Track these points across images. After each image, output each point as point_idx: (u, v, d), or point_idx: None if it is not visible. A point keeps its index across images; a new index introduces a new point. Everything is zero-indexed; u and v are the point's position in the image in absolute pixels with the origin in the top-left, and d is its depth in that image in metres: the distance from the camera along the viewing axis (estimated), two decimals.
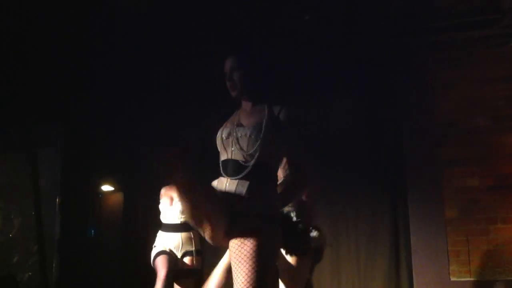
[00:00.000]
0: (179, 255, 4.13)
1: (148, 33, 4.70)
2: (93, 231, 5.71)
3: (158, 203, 4.36)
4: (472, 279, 4.51)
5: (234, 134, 2.38)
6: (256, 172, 2.29)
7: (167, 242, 4.16)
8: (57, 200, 5.68)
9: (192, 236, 4.16)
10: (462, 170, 4.68)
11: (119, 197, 5.80)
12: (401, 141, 4.91)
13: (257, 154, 2.28)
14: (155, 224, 4.86)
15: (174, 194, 4.19)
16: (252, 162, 2.29)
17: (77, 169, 5.66)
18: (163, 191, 4.34)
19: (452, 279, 4.54)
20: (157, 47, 4.93)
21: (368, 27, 4.63)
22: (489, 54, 4.80)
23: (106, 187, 5.73)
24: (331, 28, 4.68)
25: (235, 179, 2.30)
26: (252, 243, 2.15)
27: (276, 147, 2.33)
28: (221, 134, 2.45)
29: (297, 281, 3.31)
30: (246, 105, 2.50)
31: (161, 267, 4.05)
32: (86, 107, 5.56)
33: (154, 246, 4.20)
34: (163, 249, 4.14)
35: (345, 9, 4.51)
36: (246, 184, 2.27)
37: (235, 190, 2.28)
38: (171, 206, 4.22)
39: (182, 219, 4.07)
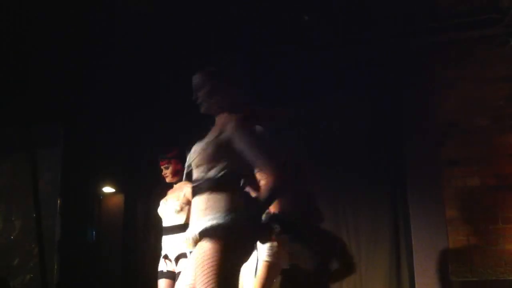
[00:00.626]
0: (173, 258, 3.96)
1: (149, 33, 4.70)
2: (93, 232, 5.70)
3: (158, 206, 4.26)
4: (473, 279, 4.49)
5: (195, 154, 2.45)
6: (213, 184, 2.32)
7: (164, 246, 4.04)
8: (58, 201, 5.68)
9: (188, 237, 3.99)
10: (463, 170, 4.67)
11: (119, 199, 5.78)
12: (401, 141, 4.91)
13: (209, 166, 2.35)
14: (155, 226, 4.87)
15: (170, 195, 4.15)
16: (206, 175, 2.35)
17: (78, 170, 5.64)
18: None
19: (453, 279, 4.52)
20: (158, 48, 4.94)
21: (368, 27, 4.64)
22: (489, 54, 4.80)
23: (107, 189, 5.72)
24: (331, 29, 4.69)
25: (197, 196, 2.37)
26: (208, 254, 2.18)
27: (232, 156, 2.34)
28: (190, 158, 2.50)
29: None
30: (216, 119, 2.57)
31: None
32: (86, 107, 5.57)
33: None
34: (161, 267, 4.01)
35: (345, 9, 4.52)
36: (202, 197, 2.33)
37: (196, 207, 2.35)
38: (164, 208, 4.11)
39: (176, 220, 3.97)
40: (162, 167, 4.14)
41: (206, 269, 2.15)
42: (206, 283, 2.13)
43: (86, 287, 5.47)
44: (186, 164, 2.50)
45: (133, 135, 5.77)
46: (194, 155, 2.43)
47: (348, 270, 3.97)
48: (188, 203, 3.85)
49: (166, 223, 4.07)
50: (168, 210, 4.04)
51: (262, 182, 2.41)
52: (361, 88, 5.04)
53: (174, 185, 4.16)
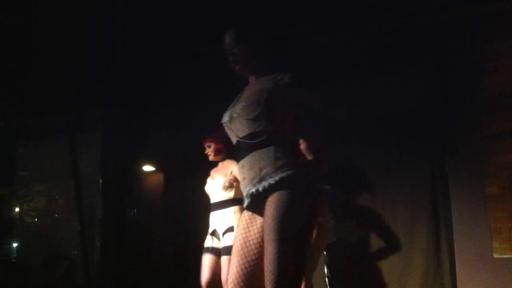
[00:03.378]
0: (221, 233, 4.06)
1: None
2: (134, 211, 5.83)
3: (200, 184, 4.37)
4: None
5: (234, 112, 2.31)
6: (267, 140, 2.21)
7: (212, 222, 4.15)
8: (100, 181, 5.83)
9: (234, 212, 4.03)
10: (504, 144, 4.53)
11: (159, 177, 5.89)
12: (441, 117, 4.82)
13: (260, 121, 2.21)
14: (195, 204, 4.94)
15: (216, 173, 4.23)
16: (259, 128, 2.21)
17: (118, 151, 5.78)
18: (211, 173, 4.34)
19: (495, 256, 4.44)
20: (203, 34, 4.94)
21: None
22: None
23: (147, 168, 5.83)
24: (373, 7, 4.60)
25: (249, 155, 2.24)
26: (280, 213, 2.06)
27: (281, 110, 2.25)
28: (224, 120, 2.39)
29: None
30: (251, 80, 2.44)
31: (202, 272, 4.07)
32: (126, 89, 5.67)
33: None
34: (206, 243, 4.12)
35: None
36: (267, 151, 2.20)
37: (259, 162, 2.20)
38: (212, 185, 4.23)
39: (224, 196, 4.06)
40: (205, 145, 4.25)
41: (286, 220, 2.05)
42: (277, 241, 2.03)
43: (127, 265, 5.61)
44: (226, 118, 2.35)
45: (172, 115, 5.85)
46: (239, 107, 2.28)
47: (390, 249, 3.97)
48: (236, 180, 3.97)
49: (214, 199, 4.18)
50: (216, 186, 4.14)
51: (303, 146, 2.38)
52: (405, 62, 4.96)
53: (219, 164, 4.25)
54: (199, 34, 5.02)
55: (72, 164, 5.43)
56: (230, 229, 3.96)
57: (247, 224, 2.28)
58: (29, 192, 6.45)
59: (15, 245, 6.37)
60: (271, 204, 2.12)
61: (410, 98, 4.89)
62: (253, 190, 2.21)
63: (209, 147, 4.22)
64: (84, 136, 5.78)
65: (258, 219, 2.27)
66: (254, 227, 2.26)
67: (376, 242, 4.85)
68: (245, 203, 2.31)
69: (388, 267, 4.78)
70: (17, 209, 6.51)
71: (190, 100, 5.67)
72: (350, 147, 5.00)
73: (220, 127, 2.47)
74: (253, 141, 2.24)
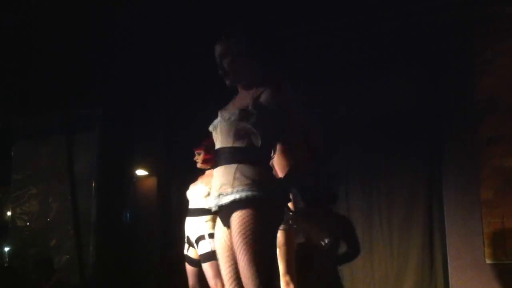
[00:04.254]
0: (194, 241, 4.09)
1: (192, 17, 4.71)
2: (128, 214, 5.82)
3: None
4: (508, 261, 4.39)
5: (219, 122, 2.32)
6: (243, 154, 2.22)
7: (186, 228, 4.19)
8: (93, 184, 5.81)
9: (206, 221, 4.05)
10: (500, 149, 4.52)
11: (153, 181, 5.88)
12: (438, 119, 4.81)
13: (235, 137, 2.22)
14: (188, 208, 4.93)
15: (200, 181, 4.26)
16: (236, 145, 2.22)
17: (113, 154, 5.77)
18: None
19: (488, 261, 4.44)
20: (197, 36, 4.93)
21: (409, 4, 4.51)
22: None
23: (140, 171, 5.82)
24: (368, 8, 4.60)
25: (219, 167, 2.26)
26: (244, 225, 2.12)
27: (263, 127, 2.22)
28: (210, 128, 2.40)
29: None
30: (240, 91, 2.41)
31: (188, 277, 4.20)
32: (122, 93, 5.66)
33: None
34: (185, 251, 4.21)
35: None
36: (233, 167, 2.21)
37: (222, 177, 2.23)
38: (193, 191, 4.26)
39: (203, 204, 4.05)
40: (195, 152, 4.27)
41: (244, 239, 2.10)
42: (245, 251, 2.10)
43: (121, 268, 5.59)
44: (211, 126, 2.37)
45: (167, 120, 5.85)
46: (221, 124, 2.29)
47: (354, 254, 3.99)
48: None
49: (192, 205, 4.22)
50: (196, 193, 4.19)
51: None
52: (397, 67, 4.96)
53: (206, 172, 4.27)
54: (198, 35, 5.01)
55: (67, 166, 5.41)
56: (202, 237, 4.01)
57: (223, 227, 2.32)
58: (24, 195, 6.42)
59: (6, 249, 6.35)
60: (232, 221, 2.18)
61: (406, 102, 4.90)
62: (213, 204, 2.28)
63: (199, 154, 4.25)
64: (79, 137, 5.75)
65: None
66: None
67: (370, 246, 4.86)
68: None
69: (383, 271, 4.79)
70: (9, 213, 6.49)
71: (185, 104, 5.66)
72: (346, 151, 5.02)
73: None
74: (224, 155, 2.27)
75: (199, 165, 4.26)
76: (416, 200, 4.79)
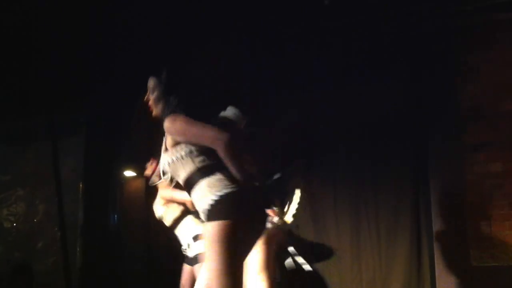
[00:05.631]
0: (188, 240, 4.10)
1: (170, 22, 4.68)
2: (115, 216, 5.78)
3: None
4: (494, 264, 4.46)
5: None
6: (200, 173, 2.51)
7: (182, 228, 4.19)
8: (80, 186, 5.76)
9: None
10: (485, 155, 4.60)
11: (141, 183, 5.84)
12: (424, 125, 4.85)
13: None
14: None
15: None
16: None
17: (99, 156, 5.72)
18: None
19: (474, 264, 4.49)
20: (179, 37, 4.91)
21: (391, 10, 4.53)
22: None
23: (128, 173, 5.78)
24: (352, 13, 4.60)
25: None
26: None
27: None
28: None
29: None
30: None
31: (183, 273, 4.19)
32: (108, 96, 5.61)
33: None
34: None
35: None
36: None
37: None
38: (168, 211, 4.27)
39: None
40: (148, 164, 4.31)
41: (211, 248, 2.28)
42: (212, 260, 2.28)
43: (108, 271, 5.56)
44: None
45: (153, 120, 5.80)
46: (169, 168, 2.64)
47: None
48: None
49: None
50: (173, 211, 4.21)
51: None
52: (382, 73, 4.98)
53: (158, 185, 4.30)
54: (185, 39, 4.98)
55: (53, 169, 5.36)
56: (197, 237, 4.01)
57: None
58: (11, 196, 6.36)
59: None
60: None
61: (391, 108, 4.92)
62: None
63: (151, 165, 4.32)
64: (66, 140, 5.69)
65: None
66: None
67: (357, 251, 4.88)
68: None
69: (371, 275, 4.81)
70: None
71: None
72: (332, 157, 5.04)
73: None
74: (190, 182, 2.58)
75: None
76: (403, 205, 4.82)
